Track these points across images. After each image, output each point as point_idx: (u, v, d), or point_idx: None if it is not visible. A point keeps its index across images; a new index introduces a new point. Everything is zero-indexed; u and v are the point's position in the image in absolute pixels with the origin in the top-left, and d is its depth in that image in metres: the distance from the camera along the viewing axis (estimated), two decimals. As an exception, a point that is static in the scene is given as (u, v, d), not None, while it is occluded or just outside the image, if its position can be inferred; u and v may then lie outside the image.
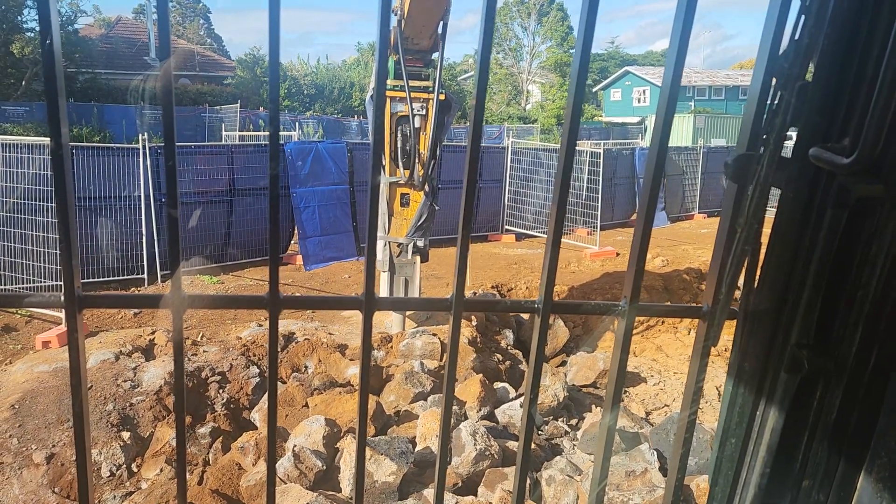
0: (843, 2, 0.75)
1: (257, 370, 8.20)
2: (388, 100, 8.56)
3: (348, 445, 6.30)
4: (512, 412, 7.30)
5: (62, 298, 0.87)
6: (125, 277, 11.98)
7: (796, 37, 0.80)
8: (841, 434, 0.83)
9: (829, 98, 0.77)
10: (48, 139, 0.82)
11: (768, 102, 0.83)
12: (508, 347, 9.80)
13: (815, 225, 0.81)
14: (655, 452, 6.34)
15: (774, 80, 0.82)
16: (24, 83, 31.21)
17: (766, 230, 0.89)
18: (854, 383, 0.81)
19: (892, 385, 0.79)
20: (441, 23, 8.15)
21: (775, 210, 0.87)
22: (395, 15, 8.27)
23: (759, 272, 0.89)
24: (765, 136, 0.83)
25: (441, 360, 8.40)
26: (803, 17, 0.79)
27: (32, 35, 30.73)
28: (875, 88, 0.71)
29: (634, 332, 10.90)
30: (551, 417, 7.74)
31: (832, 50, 0.76)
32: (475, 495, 5.88)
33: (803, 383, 0.84)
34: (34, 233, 10.12)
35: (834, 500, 0.85)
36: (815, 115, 0.78)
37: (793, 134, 0.86)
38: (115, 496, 6.23)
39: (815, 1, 0.77)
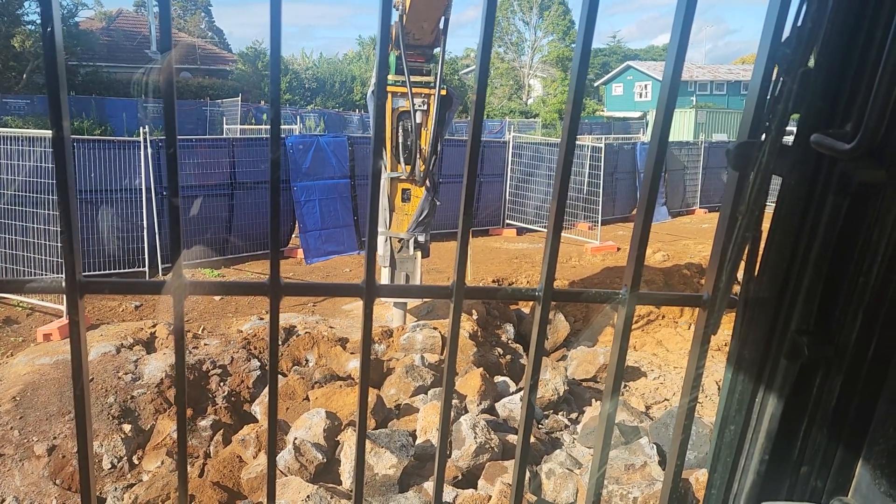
0: (846, -12, 0.75)
1: (258, 363, 8.21)
2: (389, 95, 8.56)
3: (349, 438, 6.31)
4: (512, 406, 7.32)
5: (63, 284, 0.88)
6: (126, 270, 11.99)
7: (799, 23, 0.80)
8: (840, 421, 0.83)
9: (831, 84, 0.77)
10: (47, 132, 0.82)
11: (770, 89, 0.83)
12: (509, 341, 9.81)
13: (816, 211, 0.81)
14: (655, 446, 6.35)
15: (777, 67, 0.82)
16: (25, 76, 31.18)
17: (767, 222, 0.89)
18: (854, 370, 0.81)
19: (892, 372, 0.80)
20: (442, 18, 8.14)
21: (776, 199, 0.87)
22: (397, 10, 8.26)
23: (759, 260, 0.89)
24: (767, 124, 0.83)
25: (442, 353, 8.41)
26: (806, 3, 0.78)
27: (33, 28, 30.70)
28: (877, 74, 0.71)
29: (635, 326, 10.91)
30: (551, 411, 7.75)
31: (835, 36, 0.76)
32: (475, 488, 5.89)
33: (803, 370, 0.84)
34: (34, 225, 10.12)
35: (832, 486, 0.85)
36: (818, 101, 0.78)
37: (793, 128, 0.86)
38: (116, 488, 6.24)
39: (817, -12, 0.77)
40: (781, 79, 0.81)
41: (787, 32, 0.81)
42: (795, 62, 0.79)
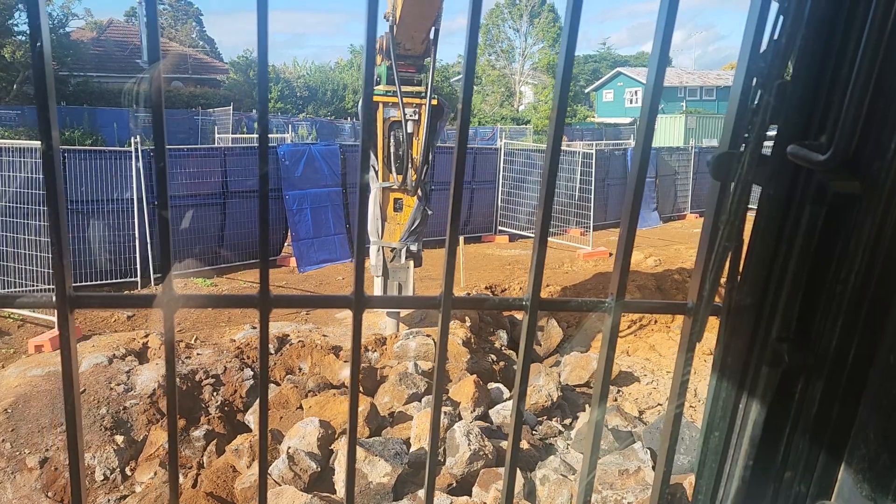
0: (820, 2, 0.77)
1: (251, 372, 8.19)
2: (380, 105, 8.58)
3: (343, 447, 6.30)
4: (506, 412, 7.32)
5: (53, 299, 0.88)
6: (118, 280, 11.95)
7: (775, 37, 0.81)
8: (822, 426, 0.85)
9: (807, 96, 0.79)
10: (39, 142, 0.83)
11: (749, 102, 0.84)
12: (502, 348, 9.82)
13: (794, 221, 0.82)
14: (649, 451, 6.37)
15: (755, 80, 0.84)
16: (14, 86, 31.08)
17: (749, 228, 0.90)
18: (834, 376, 0.83)
19: (871, 378, 0.81)
20: (433, 28, 8.17)
21: (756, 208, 0.89)
22: (387, 21, 8.29)
23: (741, 268, 0.90)
24: (746, 135, 0.84)
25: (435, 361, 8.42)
26: (781, 17, 0.80)
27: (24, 38, 30.61)
28: (849, 87, 0.73)
29: (628, 331, 10.94)
30: (545, 417, 7.76)
31: (809, 49, 0.78)
32: (470, 495, 5.89)
33: (785, 377, 0.86)
34: (26, 236, 10.08)
35: (815, 491, 0.86)
36: (794, 113, 0.80)
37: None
38: (108, 500, 6.21)
39: (792, 2, 0.79)
40: (759, 91, 0.82)
41: (764, 46, 0.83)
42: (772, 75, 0.80)
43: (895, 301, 0.77)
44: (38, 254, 10.05)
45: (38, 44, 0.81)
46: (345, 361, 8.48)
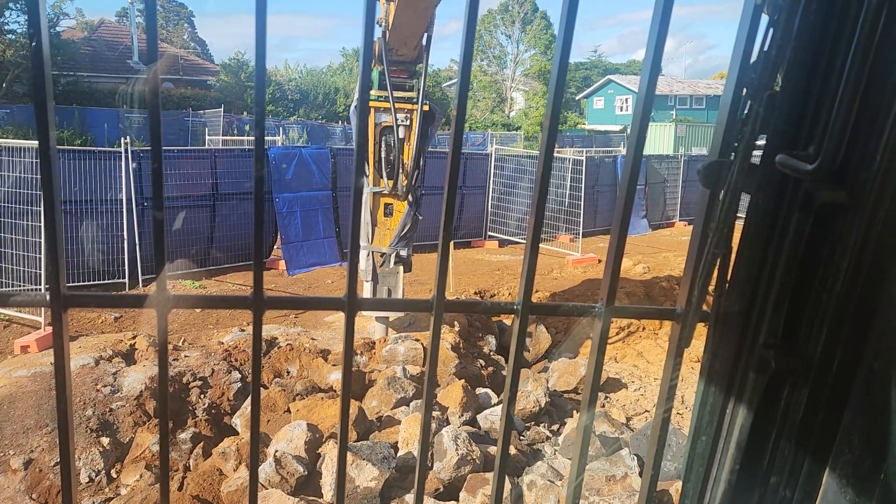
0: (809, 16, 0.78)
1: (239, 375, 8.16)
2: (372, 109, 8.60)
3: (330, 451, 6.29)
4: (494, 417, 7.32)
5: (47, 297, 0.88)
6: (106, 281, 11.88)
7: (765, 48, 0.83)
8: (807, 432, 0.86)
9: (795, 107, 0.81)
10: (30, 142, 0.83)
11: (739, 111, 0.86)
12: (491, 353, 9.82)
13: (782, 229, 0.84)
14: (636, 457, 6.39)
15: (745, 91, 0.85)
16: (4, 85, 30.89)
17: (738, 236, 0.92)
18: (819, 382, 0.84)
19: (855, 385, 0.83)
20: (426, 34, 8.20)
21: (745, 215, 0.90)
22: (380, 26, 8.30)
23: (729, 275, 0.92)
24: (735, 144, 0.86)
25: (424, 365, 8.41)
26: (771, 29, 0.82)
27: (13, 37, 30.46)
28: (836, 99, 0.75)
29: (616, 337, 10.97)
30: (533, 423, 7.77)
31: (798, 61, 0.80)
32: (457, 500, 5.89)
33: (771, 383, 0.87)
34: (14, 236, 10.01)
35: (800, 496, 0.88)
36: (783, 123, 0.81)
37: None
38: (94, 502, 6.17)
39: (782, 15, 0.80)
40: (749, 101, 0.84)
41: (754, 57, 0.85)
42: (762, 85, 0.82)
43: (880, 308, 0.79)
44: (27, 254, 9.97)
45: (35, 43, 0.81)
46: (333, 365, 8.47)
